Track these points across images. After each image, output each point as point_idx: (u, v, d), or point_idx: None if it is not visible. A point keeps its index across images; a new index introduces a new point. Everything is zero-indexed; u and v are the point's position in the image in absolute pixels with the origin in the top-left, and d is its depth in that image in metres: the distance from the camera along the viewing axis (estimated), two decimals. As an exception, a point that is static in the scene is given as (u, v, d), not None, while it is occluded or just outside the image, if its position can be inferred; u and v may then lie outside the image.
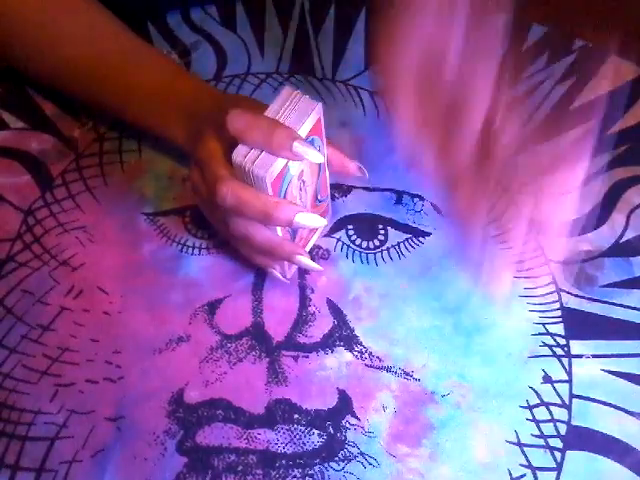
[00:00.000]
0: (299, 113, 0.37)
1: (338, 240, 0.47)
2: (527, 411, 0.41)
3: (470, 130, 0.36)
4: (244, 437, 0.39)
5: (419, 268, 0.46)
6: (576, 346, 0.43)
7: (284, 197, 0.38)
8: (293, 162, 0.37)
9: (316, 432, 0.39)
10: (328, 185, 0.44)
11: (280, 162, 0.36)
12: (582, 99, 0.57)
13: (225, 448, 0.38)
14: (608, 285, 0.46)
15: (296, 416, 0.40)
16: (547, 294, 0.46)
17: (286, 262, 0.42)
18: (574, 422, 0.40)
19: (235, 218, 0.38)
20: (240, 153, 0.36)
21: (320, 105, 0.37)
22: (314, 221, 0.37)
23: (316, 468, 0.38)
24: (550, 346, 0.43)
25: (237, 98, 0.49)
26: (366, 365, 0.42)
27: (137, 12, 0.61)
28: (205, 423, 0.39)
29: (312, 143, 0.38)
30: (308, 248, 0.46)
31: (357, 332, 0.43)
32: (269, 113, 0.37)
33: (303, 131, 0.37)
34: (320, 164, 0.40)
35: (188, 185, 0.47)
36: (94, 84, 0.49)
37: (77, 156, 0.52)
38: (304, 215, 0.37)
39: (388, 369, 0.42)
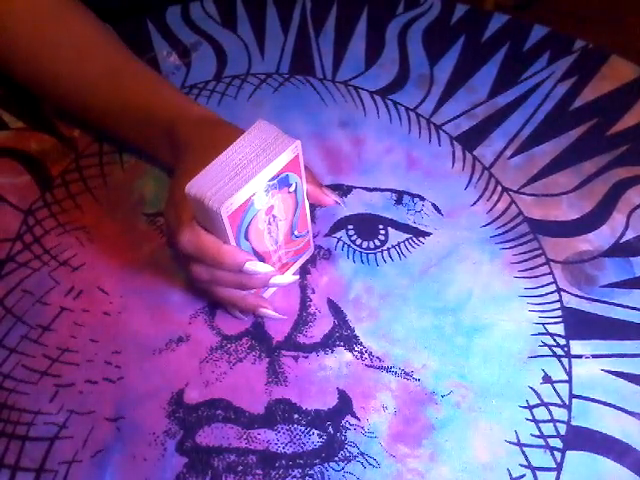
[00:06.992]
0: (272, 152, 0.35)
1: (339, 240, 0.47)
2: (527, 411, 0.41)
3: None
4: (244, 437, 0.39)
5: (419, 268, 0.46)
6: (576, 346, 0.43)
7: (246, 231, 0.37)
8: (259, 195, 0.36)
9: (316, 432, 0.39)
10: (309, 220, 0.42)
11: (241, 195, 0.34)
12: (583, 99, 0.57)
13: (225, 448, 0.38)
14: (608, 285, 0.46)
15: (296, 416, 0.40)
16: (547, 294, 0.46)
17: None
18: (574, 422, 0.40)
19: (196, 265, 0.38)
20: (195, 185, 0.34)
21: (298, 143, 0.36)
22: (263, 268, 0.38)
23: (316, 468, 0.38)
24: (550, 346, 0.43)
25: (216, 123, 0.45)
26: (366, 365, 0.42)
27: (135, 8, 0.61)
28: (205, 423, 0.39)
29: (286, 180, 0.37)
30: (292, 271, 0.45)
31: (357, 332, 0.43)
32: (238, 146, 0.36)
33: (274, 169, 0.35)
34: (298, 200, 0.39)
35: (161, 221, 0.47)
36: (80, 103, 0.49)
37: (77, 156, 0.52)
38: (253, 263, 0.37)
39: (388, 369, 0.42)
